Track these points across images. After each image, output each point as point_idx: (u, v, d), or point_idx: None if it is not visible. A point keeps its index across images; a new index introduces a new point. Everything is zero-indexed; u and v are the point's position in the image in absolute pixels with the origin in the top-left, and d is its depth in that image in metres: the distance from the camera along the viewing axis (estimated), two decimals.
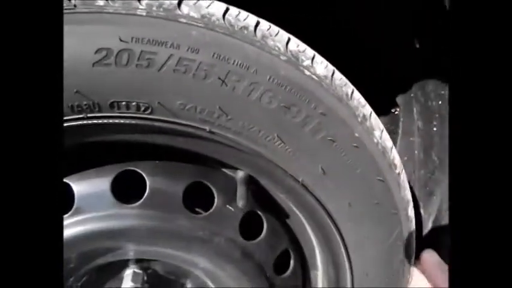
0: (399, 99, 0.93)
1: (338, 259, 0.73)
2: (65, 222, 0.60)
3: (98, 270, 0.70)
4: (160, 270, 0.72)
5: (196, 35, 0.52)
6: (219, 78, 0.53)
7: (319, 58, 0.60)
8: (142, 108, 0.54)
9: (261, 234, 0.66)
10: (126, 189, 0.61)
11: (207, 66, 0.52)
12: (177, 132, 0.57)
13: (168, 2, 0.53)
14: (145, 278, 0.70)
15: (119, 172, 0.61)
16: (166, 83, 0.52)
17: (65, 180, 0.61)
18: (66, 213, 0.60)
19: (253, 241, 0.65)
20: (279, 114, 0.56)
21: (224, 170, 0.66)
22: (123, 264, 0.70)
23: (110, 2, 0.51)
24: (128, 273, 0.69)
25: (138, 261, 0.69)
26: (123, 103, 0.53)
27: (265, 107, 0.55)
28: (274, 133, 0.57)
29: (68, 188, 0.61)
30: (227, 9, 0.55)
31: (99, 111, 0.53)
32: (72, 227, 0.60)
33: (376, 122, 0.65)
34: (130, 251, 0.67)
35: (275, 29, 0.58)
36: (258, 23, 0.56)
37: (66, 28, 0.49)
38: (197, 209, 0.64)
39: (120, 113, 0.54)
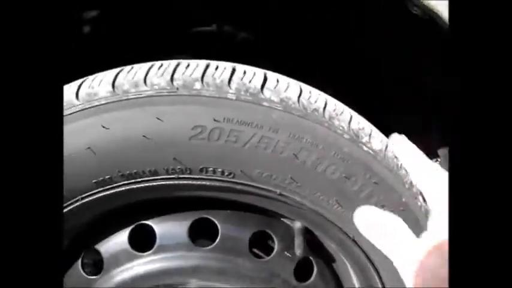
0: (440, 152, 1.01)
1: None
2: (148, 259, 0.71)
3: None
4: None
5: (276, 117, 0.61)
6: (293, 154, 0.62)
7: (375, 133, 0.68)
8: (226, 174, 0.64)
9: (311, 277, 0.76)
10: (200, 234, 0.72)
11: (284, 144, 0.62)
12: (252, 193, 0.67)
13: (252, 86, 0.62)
14: None
15: (196, 219, 0.71)
16: (248, 156, 0.62)
17: (148, 222, 0.72)
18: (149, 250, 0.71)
19: (305, 283, 0.75)
20: (340, 183, 0.65)
21: (283, 220, 0.76)
22: None
23: (205, 85, 0.61)
24: None
25: None
26: (211, 169, 0.64)
27: (329, 177, 0.65)
28: (334, 198, 0.67)
29: (151, 228, 0.72)
30: (300, 92, 0.64)
31: (190, 174, 0.64)
32: (154, 263, 0.71)
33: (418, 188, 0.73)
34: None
35: (340, 108, 0.67)
36: (326, 104, 0.65)
37: (170, 107, 0.60)
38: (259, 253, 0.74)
39: (207, 176, 0.64)
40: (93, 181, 0.64)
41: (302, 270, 0.76)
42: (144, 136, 0.60)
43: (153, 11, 0.95)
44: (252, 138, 0.61)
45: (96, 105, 0.62)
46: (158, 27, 0.95)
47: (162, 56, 0.75)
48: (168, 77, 0.62)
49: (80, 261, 0.74)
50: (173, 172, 0.63)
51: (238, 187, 0.65)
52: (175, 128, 0.60)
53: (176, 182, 0.64)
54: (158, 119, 0.60)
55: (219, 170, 0.63)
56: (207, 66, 0.63)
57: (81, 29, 0.94)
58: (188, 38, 1.00)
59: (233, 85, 0.62)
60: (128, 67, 0.65)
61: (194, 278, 0.70)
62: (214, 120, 0.60)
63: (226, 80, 0.62)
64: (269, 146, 0.62)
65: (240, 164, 0.63)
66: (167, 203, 0.71)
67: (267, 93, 0.62)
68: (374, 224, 0.60)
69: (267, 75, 0.64)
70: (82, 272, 0.74)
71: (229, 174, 0.64)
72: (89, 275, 0.74)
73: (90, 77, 0.66)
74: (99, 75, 0.66)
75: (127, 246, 0.72)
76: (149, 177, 0.64)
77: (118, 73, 0.64)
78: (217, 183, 0.65)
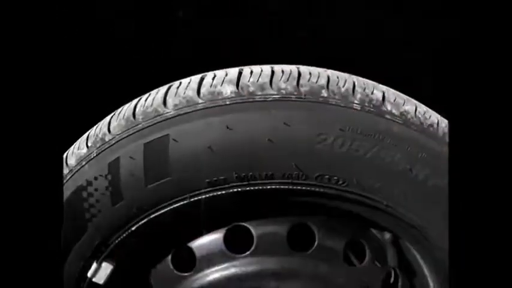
0: None
1: None
2: (244, 261, 0.71)
3: None
4: None
5: (396, 130, 0.63)
6: (408, 168, 0.63)
7: None
8: (340, 182, 0.65)
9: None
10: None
11: (402, 157, 0.63)
12: (360, 202, 0.68)
13: (375, 98, 0.63)
14: None
15: (294, 224, 0.72)
16: (367, 166, 0.63)
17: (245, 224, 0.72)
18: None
19: None
20: None
21: (373, 230, 0.77)
22: None
23: (331, 94, 0.62)
24: None
25: None
26: (327, 176, 0.64)
27: (437, 193, 0.66)
28: (437, 210, 0.68)
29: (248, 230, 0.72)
30: (416, 108, 0.66)
31: (305, 180, 0.65)
32: (250, 265, 0.71)
33: None
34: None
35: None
36: (438, 121, 0.66)
37: (297, 113, 0.60)
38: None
39: (320, 183, 0.65)
40: (206, 180, 0.65)
41: (387, 281, 0.78)
42: (269, 140, 0.61)
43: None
44: (373, 149, 0.63)
45: (220, 105, 0.62)
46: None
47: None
48: (294, 83, 0.63)
49: (170, 257, 0.75)
50: (289, 177, 0.64)
51: (348, 195, 0.66)
52: (301, 134, 0.61)
53: (289, 187, 0.65)
54: (286, 124, 0.61)
55: (335, 177, 0.64)
56: (329, 76, 0.65)
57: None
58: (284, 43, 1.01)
59: (357, 95, 0.63)
60: (247, 68, 0.66)
61: (289, 281, 0.71)
62: (340, 129, 0.61)
63: (351, 89, 0.63)
64: (388, 158, 0.63)
65: (357, 174, 0.64)
66: (266, 206, 0.72)
67: (388, 106, 0.64)
68: None
69: (385, 89, 0.66)
70: (172, 267, 0.74)
71: (343, 182, 0.65)
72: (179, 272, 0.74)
73: (208, 75, 0.66)
74: (217, 74, 0.66)
75: (222, 246, 0.72)
76: (264, 180, 0.65)
77: (240, 73, 0.64)
78: (328, 191, 0.65)
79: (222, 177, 0.64)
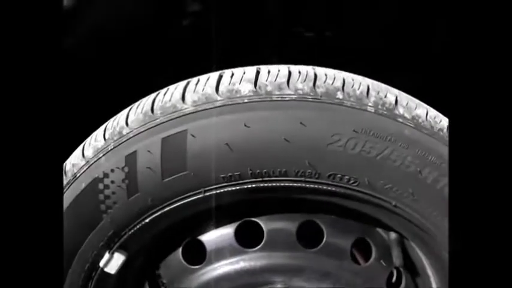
0: None
1: None
2: (253, 255, 0.73)
3: None
4: None
5: (408, 133, 0.65)
6: (418, 170, 0.65)
7: None
8: (352, 181, 0.67)
9: (399, 286, 0.79)
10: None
11: (412, 159, 0.65)
12: (369, 202, 0.69)
13: (388, 101, 0.65)
14: None
15: (303, 221, 0.74)
16: (378, 167, 0.65)
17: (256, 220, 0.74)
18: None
19: None
20: None
21: (378, 229, 0.79)
22: None
23: (346, 96, 0.64)
24: None
25: None
26: (339, 175, 0.66)
27: (445, 195, 0.68)
28: (444, 212, 0.70)
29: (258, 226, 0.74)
30: (427, 112, 0.67)
31: (317, 178, 0.66)
32: (259, 259, 0.73)
33: None
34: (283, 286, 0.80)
35: None
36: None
37: (313, 113, 0.62)
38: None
39: (333, 182, 0.67)
40: (221, 176, 0.67)
41: (390, 280, 0.80)
42: (285, 139, 0.63)
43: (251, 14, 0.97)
44: (384, 151, 0.64)
45: (239, 103, 0.64)
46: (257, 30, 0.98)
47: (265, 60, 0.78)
48: (311, 84, 0.64)
49: (180, 249, 0.76)
50: (302, 175, 0.66)
51: (359, 195, 0.68)
52: (316, 134, 0.63)
53: (301, 184, 0.67)
54: (302, 123, 0.62)
55: (346, 177, 0.66)
56: (344, 78, 0.66)
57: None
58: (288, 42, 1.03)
59: (371, 98, 0.65)
60: (265, 67, 0.68)
61: (297, 277, 0.73)
62: (354, 130, 0.63)
63: (365, 92, 0.65)
64: (398, 160, 0.65)
65: (368, 174, 0.66)
66: (277, 203, 0.74)
67: (400, 109, 0.65)
68: None
69: (398, 92, 0.68)
70: (182, 260, 0.76)
71: (355, 182, 0.67)
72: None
73: (227, 73, 0.68)
74: (235, 72, 0.68)
75: (232, 240, 0.74)
76: (278, 177, 0.66)
77: (258, 72, 0.66)
78: (340, 190, 0.67)
79: (237, 173, 0.66)
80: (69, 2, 0.78)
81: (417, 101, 0.69)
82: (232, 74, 0.67)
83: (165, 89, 0.71)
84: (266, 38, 0.97)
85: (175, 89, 0.68)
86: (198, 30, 0.96)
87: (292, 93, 0.64)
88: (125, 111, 0.71)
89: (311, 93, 0.64)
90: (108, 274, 0.76)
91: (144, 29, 1.00)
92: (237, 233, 0.75)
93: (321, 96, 0.64)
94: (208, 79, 0.67)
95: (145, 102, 0.70)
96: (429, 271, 0.81)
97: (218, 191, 0.68)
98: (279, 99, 0.63)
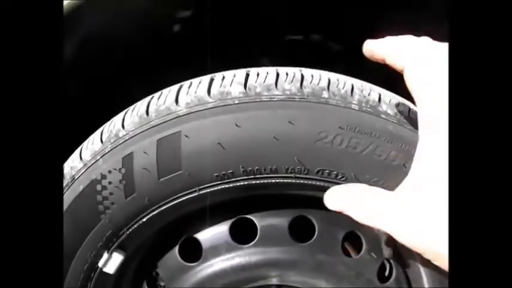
0: None
1: None
2: (248, 251, 0.76)
3: None
4: None
5: (391, 129, 0.68)
6: (403, 164, 0.68)
7: None
8: (340, 176, 0.70)
9: (390, 278, 0.82)
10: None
11: (396, 154, 0.68)
12: None
13: (371, 99, 0.68)
14: None
15: (295, 216, 0.77)
16: (363, 162, 0.68)
17: (249, 216, 0.77)
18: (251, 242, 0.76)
19: (385, 284, 0.81)
20: None
21: None
22: None
23: (331, 95, 0.67)
24: None
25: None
26: (327, 171, 0.69)
27: None
28: None
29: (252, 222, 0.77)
30: (409, 109, 0.71)
31: (306, 174, 0.69)
32: (254, 255, 0.76)
33: None
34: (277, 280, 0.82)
35: None
36: None
37: (300, 112, 0.65)
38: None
39: (321, 177, 0.70)
40: (215, 174, 0.69)
41: (382, 272, 0.82)
42: (274, 137, 0.66)
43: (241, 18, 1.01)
44: (369, 146, 0.67)
45: (230, 104, 0.67)
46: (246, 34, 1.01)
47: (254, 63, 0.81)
48: (298, 84, 0.67)
49: (177, 247, 0.79)
50: (292, 171, 0.69)
51: None
52: (304, 132, 0.66)
53: (291, 180, 0.70)
54: (290, 122, 0.65)
55: (334, 172, 0.69)
56: (329, 78, 0.70)
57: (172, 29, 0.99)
58: (277, 45, 1.06)
59: (355, 96, 0.68)
60: (254, 70, 0.71)
61: (291, 271, 0.75)
62: (339, 127, 0.66)
63: (349, 91, 0.68)
64: (383, 155, 0.68)
65: (355, 169, 0.68)
66: (269, 199, 0.76)
67: (383, 106, 0.69)
68: (351, 198, 0.61)
69: (381, 90, 0.71)
70: (179, 257, 0.78)
71: (342, 177, 0.69)
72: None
73: (217, 76, 0.71)
74: (226, 75, 0.71)
75: (227, 237, 0.77)
76: (269, 174, 0.69)
77: (247, 75, 0.69)
78: (329, 185, 0.69)
79: (229, 171, 0.69)
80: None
81: (400, 98, 0.72)
82: (223, 77, 0.70)
83: (159, 93, 0.73)
84: (257, 41, 1.01)
85: (169, 92, 0.71)
86: (189, 35, 1.00)
87: (280, 93, 0.67)
88: (121, 114, 0.74)
89: (298, 93, 0.67)
90: (107, 274, 0.78)
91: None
92: (232, 230, 0.78)
93: (307, 96, 0.67)
94: (200, 82, 0.70)
95: (141, 105, 0.73)
96: (418, 263, 0.84)
97: (212, 189, 0.71)
98: (268, 99, 0.66)
